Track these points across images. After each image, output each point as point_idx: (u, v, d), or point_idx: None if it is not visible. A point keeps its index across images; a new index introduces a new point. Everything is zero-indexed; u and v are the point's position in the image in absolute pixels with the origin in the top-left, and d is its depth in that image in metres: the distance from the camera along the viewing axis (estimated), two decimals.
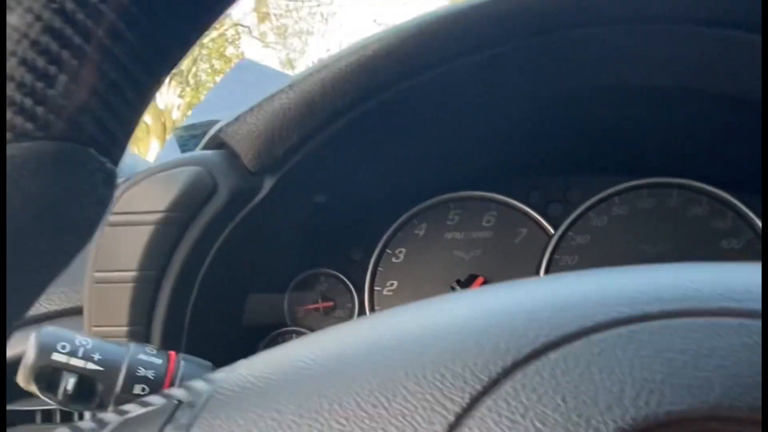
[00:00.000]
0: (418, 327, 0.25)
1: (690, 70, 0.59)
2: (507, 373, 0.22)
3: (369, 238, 0.74)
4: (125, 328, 0.52)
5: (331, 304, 0.73)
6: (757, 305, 0.21)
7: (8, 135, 0.21)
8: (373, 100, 0.48)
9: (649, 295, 0.23)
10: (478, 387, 0.22)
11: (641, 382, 0.21)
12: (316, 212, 0.70)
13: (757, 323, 0.21)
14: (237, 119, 0.50)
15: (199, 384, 0.26)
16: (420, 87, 0.51)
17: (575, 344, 0.22)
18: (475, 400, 0.22)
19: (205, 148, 0.55)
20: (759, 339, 0.21)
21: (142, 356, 0.39)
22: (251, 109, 0.49)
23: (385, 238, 0.73)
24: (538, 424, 0.21)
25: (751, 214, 0.62)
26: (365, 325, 0.27)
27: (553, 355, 0.22)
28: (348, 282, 0.73)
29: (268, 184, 0.53)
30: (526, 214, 0.71)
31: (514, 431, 0.21)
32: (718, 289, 0.22)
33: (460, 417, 0.22)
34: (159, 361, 0.39)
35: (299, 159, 0.52)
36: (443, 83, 0.51)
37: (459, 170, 0.73)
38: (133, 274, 0.52)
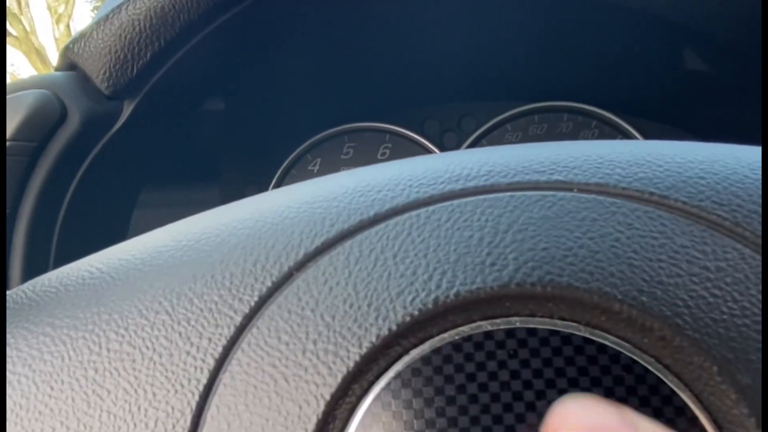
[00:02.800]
0: (214, 228, 0.22)
1: None
2: (300, 266, 0.19)
3: (262, 176, 0.70)
4: None
5: None
6: (562, 176, 0.19)
7: None
8: (232, 10, 0.44)
9: (451, 174, 0.20)
10: (269, 283, 0.19)
11: (435, 263, 0.18)
12: (200, 147, 0.66)
13: (559, 195, 0.19)
14: (83, 35, 0.45)
15: None
16: (278, 3, 0.47)
17: (371, 230, 0.19)
18: (265, 298, 0.19)
19: (57, 69, 0.49)
20: (560, 210, 0.18)
21: None
22: (98, 23, 0.44)
23: (278, 174, 0.70)
24: (327, 318, 0.18)
25: (638, 135, 0.61)
26: (161, 232, 0.24)
27: (348, 243, 0.19)
28: None
29: (127, 108, 0.48)
30: (420, 144, 0.68)
31: (303, 328, 0.19)
32: (522, 163, 0.20)
33: (249, 317, 0.19)
34: None
35: (160, 80, 0.48)
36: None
37: (352, 102, 0.70)
38: None
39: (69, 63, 0.47)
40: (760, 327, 0.17)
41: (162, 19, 0.42)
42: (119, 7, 0.43)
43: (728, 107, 0.56)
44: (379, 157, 0.70)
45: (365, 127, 0.69)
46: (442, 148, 0.67)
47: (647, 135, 0.60)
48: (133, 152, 0.55)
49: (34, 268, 0.50)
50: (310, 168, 0.70)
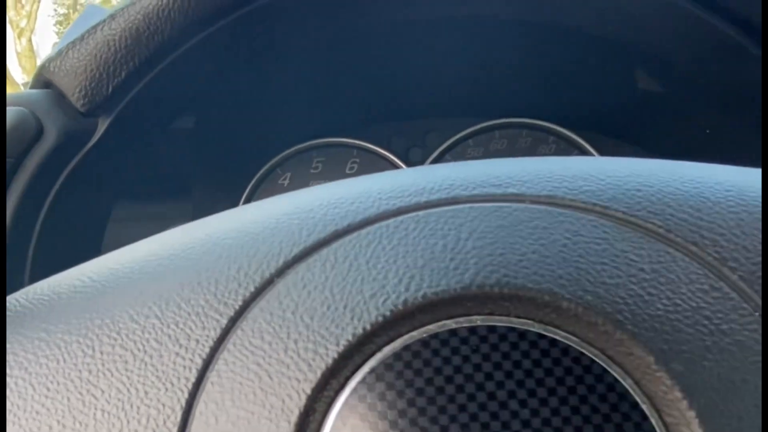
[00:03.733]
0: (199, 238, 0.23)
1: (542, 4, 0.59)
2: (280, 272, 0.21)
3: (233, 191, 0.71)
4: None
5: None
6: (516, 189, 0.21)
7: None
8: (206, 31, 0.45)
9: (417, 188, 0.22)
10: (252, 289, 0.21)
11: (404, 268, 0.20)
12: (172, 163, 0.66)
13: (513, 206, 0.21)
14: (59, 53, 0.46)
15: None
16: (262, 19, 0.48)
17: (345, 239, 0.21)
18: (248, 302, 0.21)
19: (32, 87, 0.50)
20: (514, 220, 0.20)
21: None
22: (74, 43, 0.45)
23: (249, 188, 0.71)
24: (306, 319, 0.20)
25: (593, 151, 0.64)
26: (149, 242, 0.25)
27: (324, 251, 0.21)
28: None
29: (102, 125, 0.49)
30: (387, 159, 0.70)
31: (284, 329, 0.20)
32: (480, 178, 0.22)
33: (234, 320, 0.21)
34: None
35: (134, 98, 0.49)
36: (286, 19, 0.49)
37: (321, 118, 0.71)
38: None
39: (44, 81, 0.48)
40: (690, 321, 0.19)
41: (136, 39, 0.43)
42: (94, 27, 0.44)
43: (677, 124, 0.59)
44: (347, 171, 0.71)
45: (334, 143, 0.71)
46: (408, 163, 0.69)
47: (602, 150, 0.63)
48: (107, 168, 0.56)
49: (10, 281, 0.50)
50: (280, 182, 0.71)
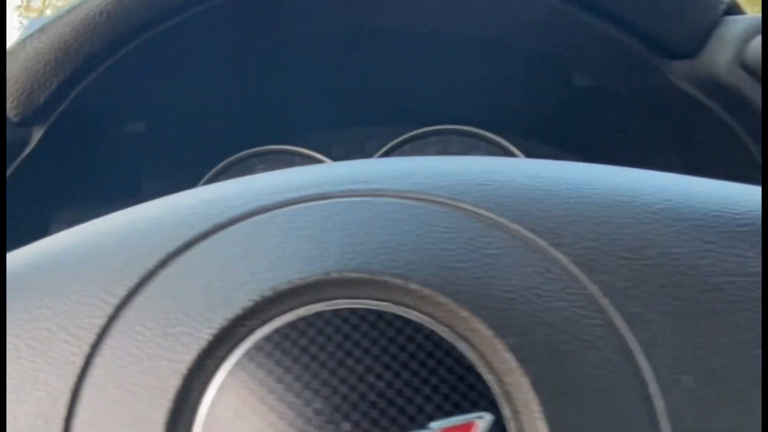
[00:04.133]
0: (90, 234, 0.25)
1: (474, 19, 0.62)
2: (162, 264, 0.23)
3: None
4: None
5: None
6: (380, 185, 0.23)
7: None
8: (136, 42, 0.47)
9: (291, 184, 0.24)
10: (135, 279, 0.23)
11: (273, 258, 0.22)
12: (121, 167, 0.68)
13: (376, 200, 0.23)
14: None
15: None
16: (190, 32, 0.50)
17: (223, 233, 0.23)
18: (132, 292, 0.23)
19: None
20: (376, 213, 0.23)
21: None
22: (8, 54, 0.46)
23: None
24: (184, 306, 0.22)
25: (520, 155, 0.67)
26: (47, 240, 0.26)
27: (203, 244, 0.23)
28: None
29: (36, 134, 0.51)
30: None
31: (164, 315, 0.22)
32: (349, 175, 0.24)
33: (119, 308, 0.22)
34: None
35: (69, 107, 0.50)
36: (204, 29, 0.51)
37: (265, 125, 0.73)
38: None
39: None
40: (525, 299, 0.21)
41: (65, 52, 0.45)
42: (23, 41, 0.46)
43: (597, 130, 0.63)
44: None
45: (276, 150, 0.73)
46: None
47: (529, 154, 0.66)
48: (46, 175, 0.57)
49: None
50: None
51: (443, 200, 0.23)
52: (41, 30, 0.45)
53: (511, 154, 0.67)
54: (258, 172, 0.75)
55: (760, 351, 0.20)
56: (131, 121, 0.66)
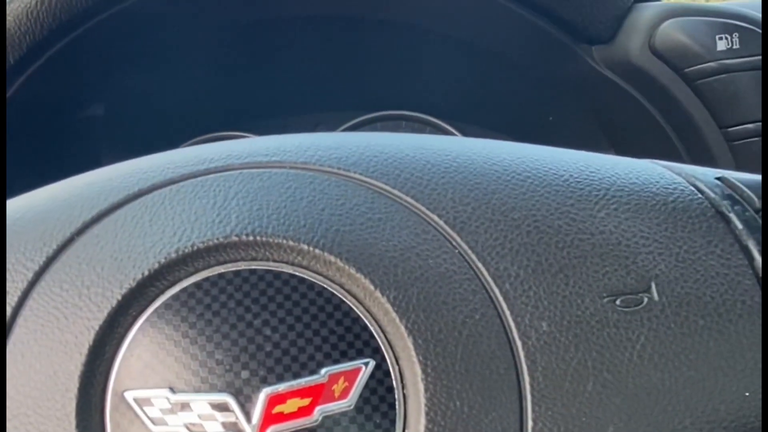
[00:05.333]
0: (16, 206, 0.27)
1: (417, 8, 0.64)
2: (79, 231, 0.25)
3: None
4: None
5: None
6: (279, 158, 0.25)
7: None
8: (78, 30, 0.48)
9: (198, 158, 0.26)
10: (54, 246, 0.25)
11: (179, 224, 0.24)
12: (82, 149, 0.69)
13: (275, 171, 0.25)
14: None
15: None
16: (137, 17, 0.52)
17: (135, 203, 0.25)
18: (51, 258, 0.25)
19: None
20: (274, 182, 0.25)
21: None
22: None
23: None
24: (98, 269, 0.24)
25: None
26: None
27: (116, 213, 0.25)
28: None
29: None
30: None
31: (79, 278, 0.24)
32: (254, 149, 0.26)
33: (39, 273, 0.24)
34: None
35: (18, 94, 0.52)
36: (153, 15, 0.53)
37: (221, 110, 0.75)
38: None
39: None
40: (403, 257, 0.23)
41: (9, 40, 0.46)
42: None
43: (530, 113, 0.65)
44: None
45: (228, 136, 0.74)
46: None
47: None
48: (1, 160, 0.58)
49: None
50: None
51: (335, 170, 0.25)
52: None
53: None
54: None
55: (605, 300, 0.23)
56: (89, 105, 0.67)
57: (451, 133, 0.70)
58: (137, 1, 0.50)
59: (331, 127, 0.74)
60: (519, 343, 0.22)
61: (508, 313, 0.23)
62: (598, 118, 0.55)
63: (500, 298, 0.23)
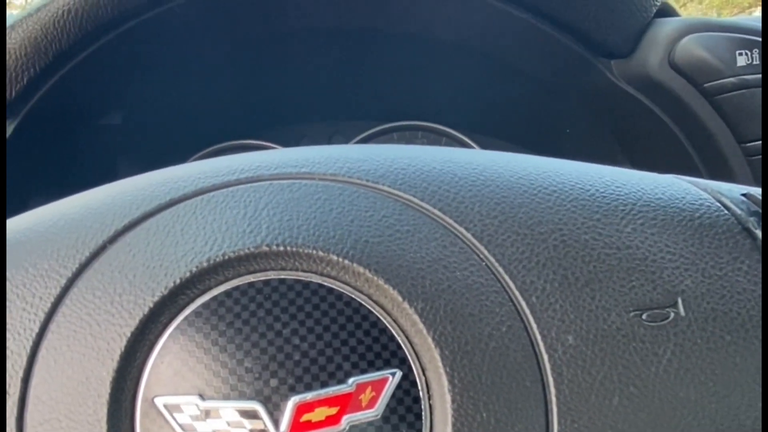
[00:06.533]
0: (48, 213, 0.27)
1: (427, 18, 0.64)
2: (111, 240, 0.25)
3: None
4: None
5: None
6: (308, 169, 0.26)
7: None
8: (101, 40, 0.49)
9: (229, 168, 0.27)
10: (87, 253, 0.25)
11: (210, 233, 0.25)
12: (97, 157, 0.70)
13: (304, 182, 0.25)
14: None
15: None
16: (158, 29, 0.52)
17: (166, 212, 0.26)
18: (84, 265, 0.25)
19: None
20: (303, 193, 0.25)
21: None
22: None
23: None
24: (130, 277, 0.24)
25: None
26: (11, 220, 0.29)
27: (148, 222, 0.26)
28: None
29: (9, 127, 0.53)
30: None
31: (111, 285, 0.24)
32: (283, 160, 0.27)
33: (72, 280, 0.25)
34: None
35: (41, 101, 0.52)
36: (174, 26, 0.53)
37: (237, 119, 0.76)
38: None
39: None
40: (431, 269, 0.24)
41: (35, 48, 0.47)
42: None
43: (552, 126, 0.66)
44: None
45: (246, 144, 0.75)
46: None
47: (487, 149, 0.69)
48: (21, 166, 0.59)
49: None
50: None
51: (364, 182, 0.25)
52: (11, 28, 0.47)
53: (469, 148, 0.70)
54: None
55: (631, 314, 0.23)
56: (108, 113, 0.67)
57: (468, 144, 0.71)
58: (158, 14, 0.51)
59: (347, 136, 0.75)
60: (545, 356, 0.23)
61: (534, 326, 0.23)
62: (616, 131, 0.55)
63: (527, 311, 0.23)
